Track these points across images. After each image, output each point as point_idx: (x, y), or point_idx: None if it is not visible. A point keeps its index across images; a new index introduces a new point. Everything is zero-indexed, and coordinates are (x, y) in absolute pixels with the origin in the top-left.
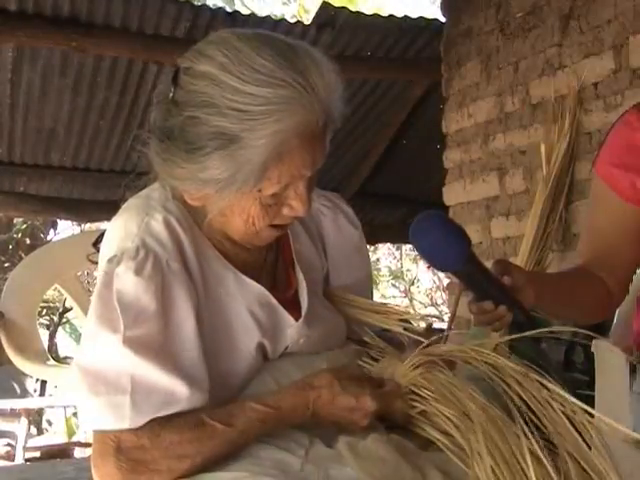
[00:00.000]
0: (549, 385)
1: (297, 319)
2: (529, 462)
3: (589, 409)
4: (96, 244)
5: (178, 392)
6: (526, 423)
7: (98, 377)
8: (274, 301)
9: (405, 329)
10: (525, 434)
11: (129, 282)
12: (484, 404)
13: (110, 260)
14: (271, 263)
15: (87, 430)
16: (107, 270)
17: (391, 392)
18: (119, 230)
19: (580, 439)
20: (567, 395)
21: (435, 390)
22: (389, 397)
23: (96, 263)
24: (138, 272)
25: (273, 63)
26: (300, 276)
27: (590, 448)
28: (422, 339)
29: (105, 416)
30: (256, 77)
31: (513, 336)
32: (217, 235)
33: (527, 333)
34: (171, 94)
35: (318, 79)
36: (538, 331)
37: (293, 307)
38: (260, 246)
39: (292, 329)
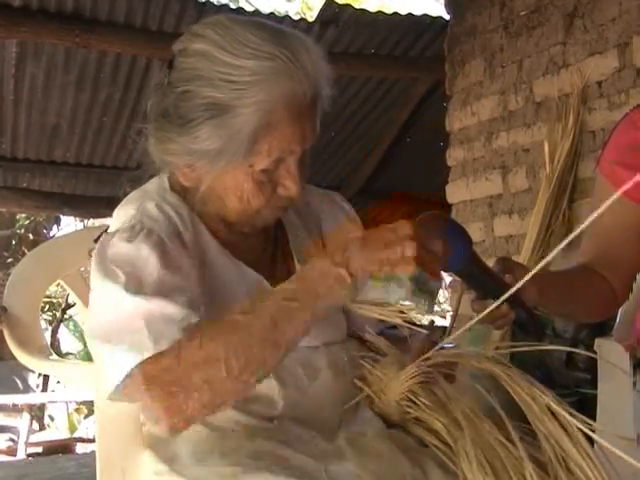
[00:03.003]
0: (547, 395)
1: None
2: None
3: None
4: (97, 240)
5: (190, 316)
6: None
7: (114, 329)
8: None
9: (404, 321)
10: (513, 443)
11: (122, 247)
12: (475, 416)
13: (106, 233)
14: (270, 255)
15: (116, 382)
16: (102, 241)
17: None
18: (119, 217)
19: (575, 447)
20: (562, 410)
21: (430, 400)
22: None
23: None
24: (130, 240)
25: (261, 39)
26: (298, 268)
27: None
28: (422, 330)
29: (129, 356)
30: (245, 50)
31: (516, 349)
32: (215, 222)
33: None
34: (166, 78)
35: (305, 55)
36: (543, 348)
37: None
38: (259, 231)
39: None
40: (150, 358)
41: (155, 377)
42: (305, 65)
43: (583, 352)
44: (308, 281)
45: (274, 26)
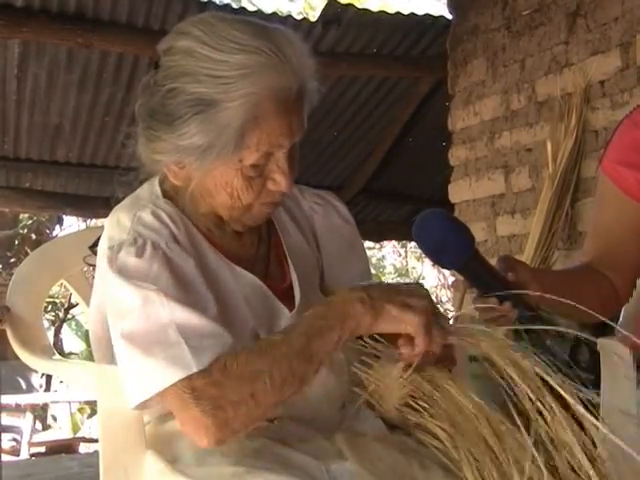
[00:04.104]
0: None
1: (291, 311)
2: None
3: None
4: (93, 247)
5: (224, 334)
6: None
7: (147, 340)
8: (268, 291)
9: None
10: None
11: (132, 263)
12: (476, 414)
13: (110, 248)
14: (263, 256)
15: (146, 396)
16: (110, 255)
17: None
18: (113, 227)
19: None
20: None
21: (430, 404)
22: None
23: (93, 265)
24: (139, 255)
25: (246, 34)
26: (292, 268)
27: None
28: None
29: (171, 370)
30: (230, 46)
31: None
32: (207, 223)
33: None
34: (152, 79)
35: (290, 50)
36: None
37: (287, 300)
38: (252, 231)
39: (286, 320)
40: (196, 373)
41: (204, 392)
42: (290, 58)
43: (591, 337)
44: (334, 304)
45: (258, 22)
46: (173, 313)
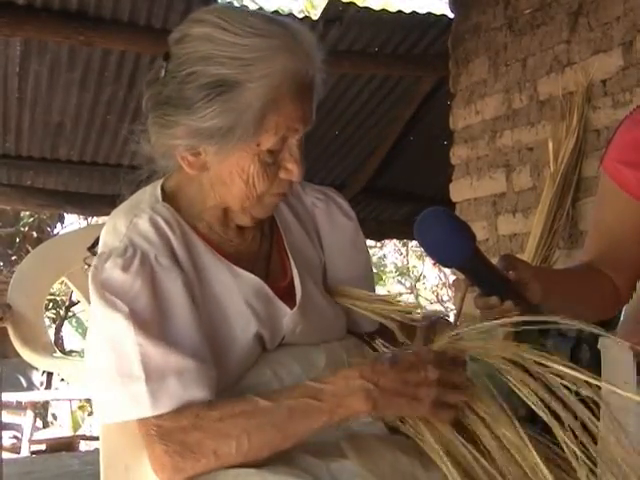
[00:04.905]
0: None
1: (292, 309)
2: None
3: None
4: (92, 248)
5: (192, 371)
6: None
7: (112, 367)
8: (269, 291)
9: (402, 318)
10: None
11: (116, 276)
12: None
13: (100, 256)
14: (265, 253)
15: (104, 422)
16: (97, 264)
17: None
18: (109, 232)
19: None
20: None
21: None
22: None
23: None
24: (125, 269)
25: (261, 20)
26: (293, 265)
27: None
28: (417, 323)
29: (129, 407)
30: (247, 30)
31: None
32: (210, 219)
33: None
34: (163, 70)
35: (302, 37)
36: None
37: (288, 297)
38: (254, 227)
39: (287, 318)
40: (166, 414)
41: (170, 434)
42: (305, 44)
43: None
44: (335, 387)
45: (269, 13)
46: (139, 342)
